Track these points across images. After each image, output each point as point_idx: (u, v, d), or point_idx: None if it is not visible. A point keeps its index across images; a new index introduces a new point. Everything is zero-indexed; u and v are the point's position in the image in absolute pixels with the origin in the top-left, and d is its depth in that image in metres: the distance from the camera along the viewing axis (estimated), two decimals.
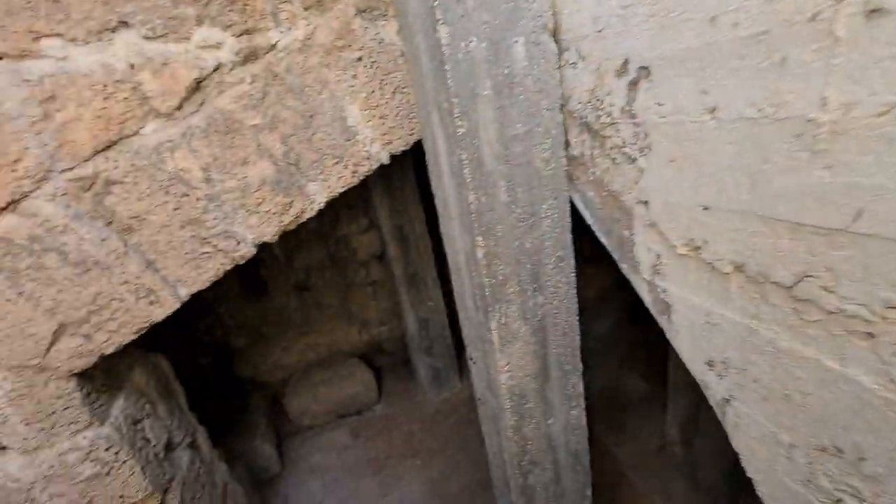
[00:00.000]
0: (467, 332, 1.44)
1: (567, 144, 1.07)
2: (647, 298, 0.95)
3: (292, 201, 1.30)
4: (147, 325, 1.27)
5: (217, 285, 3.08)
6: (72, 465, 1.29)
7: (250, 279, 3.06)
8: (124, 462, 1.37)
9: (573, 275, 1.21)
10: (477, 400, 1.59)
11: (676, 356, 2.30)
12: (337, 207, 3.09)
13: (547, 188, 1.07)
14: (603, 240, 1.07)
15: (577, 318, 1.27)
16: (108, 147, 1.12)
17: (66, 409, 1.26)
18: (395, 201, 2.82)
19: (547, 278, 1.16)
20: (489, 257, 1.08)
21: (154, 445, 1.54)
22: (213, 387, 3.07)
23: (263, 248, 1.39)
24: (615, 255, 1.03)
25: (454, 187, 1.07)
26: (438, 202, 1.25)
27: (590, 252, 2.49)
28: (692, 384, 2.27)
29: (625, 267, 1.01)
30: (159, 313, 1.27)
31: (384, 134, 1.33)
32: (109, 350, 1.26)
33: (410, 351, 3.35)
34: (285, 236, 3.17)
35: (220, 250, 1.28)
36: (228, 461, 2.13)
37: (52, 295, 1.16)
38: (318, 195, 1.33)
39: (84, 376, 1.30)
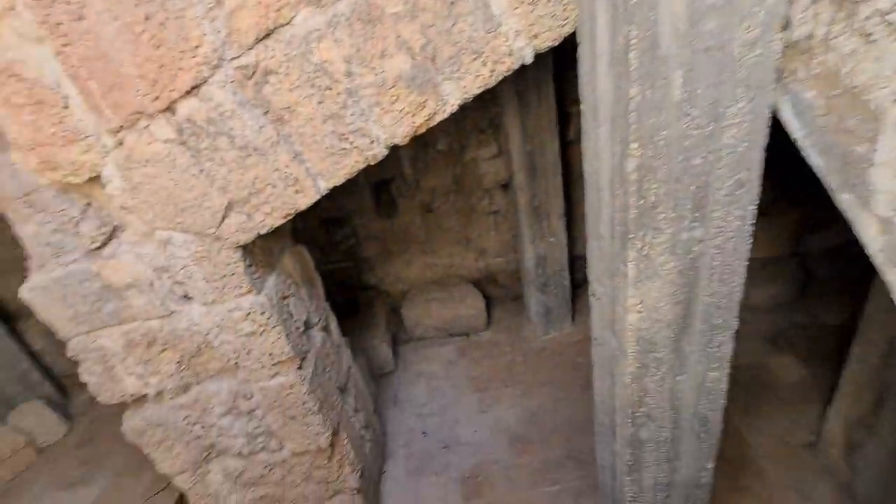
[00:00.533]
0: (595, 264, 1.29)
1: (787, 23, 0.77)
2: (877, 244, 0.69)
3: (425, 101, 1.24)
4: (293, 211, 1.41)
5: (354, 196, 3.32)
6: (236, 321, 1.57)
7: (383, 197, 3.26)
8: (273, 327, 1.62)
9: (753, 208, 0.95)
10: (593, 339, 1.47)
11: (869, 339, 1.80)
12: (467, 130, 3.01)
13: (742, 84, 0.81)
14: (815, 160, 0.79)
15: (746, 264, 1.02)
16: (266, 35, 1.17)
17: (233, 274, 1.51)
18: (529, 126, 2.61)
19: (715, 207, 0.93)
20: (642, 171, 0.89)
21: (296, 320, 1.80)
22: (344, 288, 3.48)
23: (394, 156, 1.40)
24: (832, 182, 0.76)
25: (612, 80, 0.88)
26: (586, 106, 1.06)
27: (769, 195, 2.00)
28: (879, 378, 1.78)
29: (846, 198, 0.73)
30: (303, 202, 1.39)
31: (531, 24, 1.15)
32: (264, 230, 1.44)
33: (524, 285, 3.29)
34: (415, 156, 3.22)
35: (355, 147, 1.31)
36: (352, 352, 2.42)
37: (223, 174, 1.34)
38: (451, 96, 1.24)
39: (246, 250, 1.52)
